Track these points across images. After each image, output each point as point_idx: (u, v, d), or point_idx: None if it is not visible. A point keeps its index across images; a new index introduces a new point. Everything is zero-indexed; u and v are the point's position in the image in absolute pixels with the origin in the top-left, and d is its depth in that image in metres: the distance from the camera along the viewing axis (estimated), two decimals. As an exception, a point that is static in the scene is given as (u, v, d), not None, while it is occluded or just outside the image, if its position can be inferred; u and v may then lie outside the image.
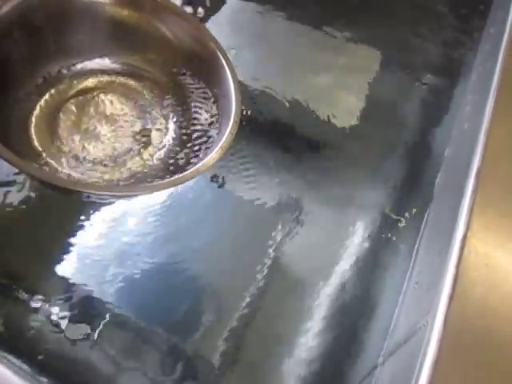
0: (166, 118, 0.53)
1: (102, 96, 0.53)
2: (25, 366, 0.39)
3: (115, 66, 0.55)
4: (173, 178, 0.44)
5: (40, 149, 0.49)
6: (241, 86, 0.49)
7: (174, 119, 0.53)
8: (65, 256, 0.46)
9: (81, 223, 0.48)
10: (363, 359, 0.44)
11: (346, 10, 0.70)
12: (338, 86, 0.62)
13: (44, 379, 0.39)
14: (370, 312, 0.47)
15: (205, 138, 0.50)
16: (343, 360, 0.44)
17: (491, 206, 0.40)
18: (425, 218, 0.51)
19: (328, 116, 0.59)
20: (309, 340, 0.45)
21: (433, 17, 0.71)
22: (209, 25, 0.64)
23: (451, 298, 0.35)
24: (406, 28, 0.70)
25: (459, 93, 0.61)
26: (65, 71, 0.53)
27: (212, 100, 0.51)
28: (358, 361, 0.44)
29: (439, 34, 0.69)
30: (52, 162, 0.48)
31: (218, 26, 0.64)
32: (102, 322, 0.43)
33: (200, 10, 0.65)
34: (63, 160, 0.49)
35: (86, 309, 0.44)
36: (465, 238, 0.38)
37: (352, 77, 0.64)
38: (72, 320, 0.43)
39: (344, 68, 0.64)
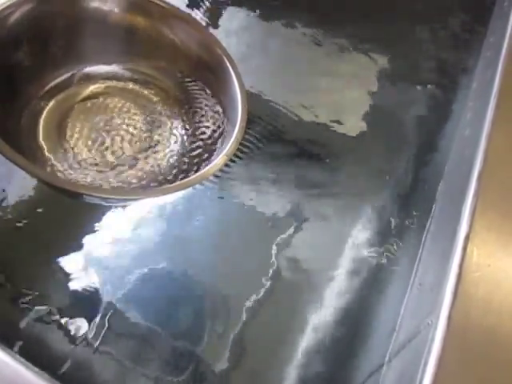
0: (173, 123, 0.54)
1: (109, 101, 0.54)
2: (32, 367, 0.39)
3: (123, 72, 0.55)
4: (178, 183, 0.44)
5: (48, 153, 0.49)
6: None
7: (181, 125, 0.53)
8: (72, 259, 0.46)
9: (86, 227, 0.49)
10: (369, 358, 0.44)
11: (346, 16, 0.71)
12: (339, 92, 0.63)
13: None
14: (375, 312, 0.47)
15: (211, 144, 0.50)
16: (349, 359, 0.44)
17: (493, 208, 0.41)
18: (428, 221, 0.52)
19: (330, 123, 0.59)
20: (313, 341, 0.45)
21: (434, 24, 0.72)
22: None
23: (455, 297, 0.35)
24: (408, 35, 0.70)
25: (460, 100, 0.62)
26: (73, 76, 0.53)
27: (218, 106, 0.51)
28: (363, 360, 0.44)
29: (440, 41, 0.70)
30: (60, 166, 0.49)
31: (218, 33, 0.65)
32: (107, 326, 0.43)
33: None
34: (71, 164, 0.49)
35: (91, 312, 0.44)
36: (467, 238, 0.38)
37: (353, 83, 0.64)
38: (77, 322, 0.43)
39: (345, 74, 0.65)
